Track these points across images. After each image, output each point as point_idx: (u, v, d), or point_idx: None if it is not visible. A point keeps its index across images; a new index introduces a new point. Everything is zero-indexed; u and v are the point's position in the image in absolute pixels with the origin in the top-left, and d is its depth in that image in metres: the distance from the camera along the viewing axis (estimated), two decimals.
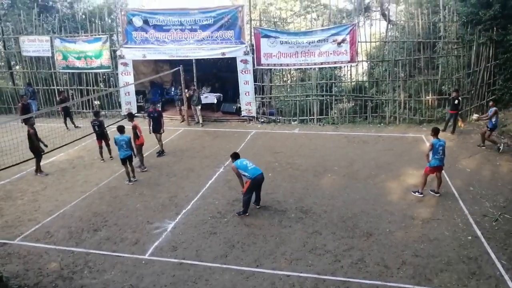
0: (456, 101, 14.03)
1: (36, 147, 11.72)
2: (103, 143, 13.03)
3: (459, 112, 14.56)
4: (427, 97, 16.53)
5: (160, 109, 13.99)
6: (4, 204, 10.02)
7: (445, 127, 14.68)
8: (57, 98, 18.30)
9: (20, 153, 11.46)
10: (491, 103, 12.89)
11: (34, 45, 19.55)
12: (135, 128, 11.74)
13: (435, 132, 9.54)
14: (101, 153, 13.08)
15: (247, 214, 8.91)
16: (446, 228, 8.05)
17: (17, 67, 21.68)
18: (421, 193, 9.60)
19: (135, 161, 11.67)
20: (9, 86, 21.20)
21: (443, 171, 9.91)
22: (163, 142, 13.61)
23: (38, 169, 12.07)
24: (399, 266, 6.91)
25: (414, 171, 11.07)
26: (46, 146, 12.18)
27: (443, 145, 9.40)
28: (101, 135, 12.94)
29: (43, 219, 9.10)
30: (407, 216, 8.66)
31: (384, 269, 6.84)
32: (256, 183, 8.82)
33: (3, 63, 22.08)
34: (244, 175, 8.83)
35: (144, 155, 12.31)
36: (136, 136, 11.71)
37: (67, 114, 17.24)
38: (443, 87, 16.36)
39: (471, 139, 13.77)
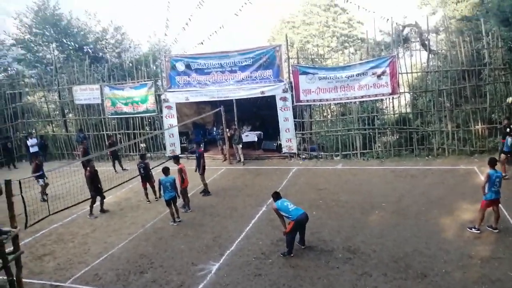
0: (508, 129, 13.26)
1: (96, 187, 12.38)
2: (148, 185, 13.36)
3: None
4: (477, 127, 15.79)
5: (202, 149, 14.23)
6: (56, 246, 10.37)
7: (499, 157, 13.84)
8: (106, 143, 19.19)
9: (72, 197, 11.97)
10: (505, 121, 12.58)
11: (85, 94, 20.85)
12: (181, 171, 11.90)
13: (492, 163, 8.97)
14: (146, 194, 13.39)
15: (291, 254, 8.65)
16: (509, 268, 7.37)
17: (70, 114, 23.11)
18: (478, 230, 8.94)
19: (179, 202, 11.82)
20: (63, 133, 22.54)
21: (500, 205, 9.25)
22: (206, 182, 13.74)
23: (101, 209, 12.70)
24: None
25: (469, 206, 10.40)
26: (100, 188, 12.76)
27: (500, 177, 8.85)
28: (146, 177, 13.28)
29: (92, 262, 9.29)
30: (465, 254, 8.06)
31: None
32: (299, 224, 8.58)
33: (57, 112, 23.61)
34: (286, 216, 8.65)
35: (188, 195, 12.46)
36: (182, 179, 11.89)
37: (115, 157, 17.95)
38: (492, 115, 15.59)
39: None
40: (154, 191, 13.32)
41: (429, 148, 16.35)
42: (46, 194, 13.31)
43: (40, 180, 13.79)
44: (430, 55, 17.19)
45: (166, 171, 11.25)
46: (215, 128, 21.07)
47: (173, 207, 11.18)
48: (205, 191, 13.59)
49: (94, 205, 12.44)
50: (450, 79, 16.18)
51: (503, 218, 9.40)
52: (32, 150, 20.20)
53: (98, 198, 12.54)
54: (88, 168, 12.53)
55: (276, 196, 9.01)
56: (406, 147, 16.82)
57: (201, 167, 13.45)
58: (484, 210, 8.95)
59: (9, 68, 24.97)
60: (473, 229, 9.02)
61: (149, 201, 13.35)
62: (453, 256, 8.05)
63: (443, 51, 17.48)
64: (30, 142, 20.28)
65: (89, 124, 21.31)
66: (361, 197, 12.03)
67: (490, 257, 7.84)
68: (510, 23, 14.61)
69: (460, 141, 15.98)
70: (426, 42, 17.61)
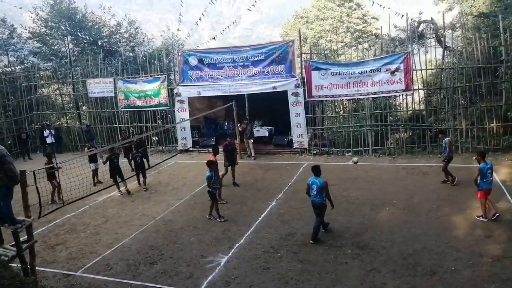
0: None
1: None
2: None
3: None
4: (491, 125, 15.54)
5: (233, 141, 14.64)
6: (69, 236, 10.57)
7: None
8: (119, 137, 19.39)
9: (85, 188, 12.12)
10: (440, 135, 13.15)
11: (99, 87, 21.09)
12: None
13: (482, 156, 9.56)
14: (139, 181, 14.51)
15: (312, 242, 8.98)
16: None
17: (84, 107, 23.40)
18: (486, 218, 9.35)
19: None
20: (77, 125, 22.86)
21: (511, 203, 9.16)
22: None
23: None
24: None
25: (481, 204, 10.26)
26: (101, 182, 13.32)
27: (491, 167, 9.41)
28: (140, 167, 14.23)
29: (103, 252, 9.44)
30: (475, 253, 7.97)
31: None
32: (312, 205, 9.14)
33: (71, 104, 23.93)
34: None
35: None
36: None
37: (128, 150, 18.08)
38: (508, 113, 15.31)
39: None
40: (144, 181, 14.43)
41: (442, 145, 16.12)
42: (98, 181, 14.94)
43: (92, 165, 14.75)
44: (445, 51, 16.94)
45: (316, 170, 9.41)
46: (226, 123, 21.15)
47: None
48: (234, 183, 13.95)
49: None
50: (466, 76, 15.92)
51: None
52: (48, 140, 20.64)
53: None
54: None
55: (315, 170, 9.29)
56: (419, 144, 16.65)
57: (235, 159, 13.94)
58: (485, 199, 9.40)
59: (25, 61, 25.34)
60: (480, 217, 9.43)
61: (146, 188, 14.22)
62: (463, 254, 7.97)
63: (459, 47, 17.20)
64: (46, 133, 20.68)
65: (102, 117, 21.57)
66: (372, 193, 11.97)
67: (501, 256, 7.74)
68: None
69: (474, 139, 15.76)
70: (442, 39, 17.36)
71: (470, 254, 7.94)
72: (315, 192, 9.02)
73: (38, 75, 23.46)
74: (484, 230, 8.88)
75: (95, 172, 14.93)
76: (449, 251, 8.13)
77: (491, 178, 9.44)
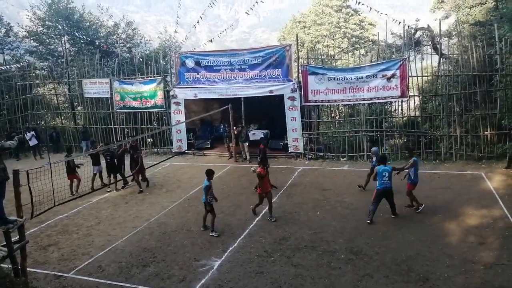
0: None
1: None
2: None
3: None
4: (486, 132, 15.63)
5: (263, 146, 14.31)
6: (61, 237, 10.48)
7: (509, 164, 13.76)
8: (114, 139, 19.23)
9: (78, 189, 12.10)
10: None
11: (95, 87, 21.01)
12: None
13: (383, 161, 10.40)
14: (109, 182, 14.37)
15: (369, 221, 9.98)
16: None
17: (79, 107, 23.29)
18: (417, 208, 10.65)
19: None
20: (71, 125, 22.73)
21: (504, 210, 9.14)
22: None
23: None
24: None
25: (475, 211, 10.33)
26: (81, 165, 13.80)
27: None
28: (112, 166, 14.16)
29: (95, 254, 9.37)
30: (468, 260, 7.99)
31: None
32: (383, 192, 10.12)
33: (67, 104, 23.82)
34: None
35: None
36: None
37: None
38: (502, 121, 15.42)
39: None
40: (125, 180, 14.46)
41: (437, 152, 16.22)
42: (102, 184, 14.54)
43: (95, 168, 14.43)
44: (441, 59, 17.05)
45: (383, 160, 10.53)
46: (222, 126, 21.11)
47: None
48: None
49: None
50: (461, 83, 16.03)
51: (508, 224, 9.36)
52: (31, 143, 20.28)
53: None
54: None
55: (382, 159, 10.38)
56: (414, 150, 16.68)
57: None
58: (410, 194, 10.73)
59: (21, 60, 25.22)
60: (415, 208, 10.70)
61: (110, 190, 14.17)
62: (456, 261, 7.99)
63: (454, 55, 17.33)
64: (28, 135, 20.16)
65: (97, 117, 21.48)
66: (366, 198, 11.94)
67: (493, 263, 7.77)
68: None
69: (468, 147, 15.84)
70: (438, 46, 17.47)
71: (463, 261, 7.96)
72: (386, 179, 10.01)
73: (33, 74, 23.38)
74: (477, 237, 8.91)
75: (97, 175, 14.51)
76: (442, 258, 8.15)
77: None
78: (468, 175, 13.83)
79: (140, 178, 14.37)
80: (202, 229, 10.34)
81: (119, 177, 14.22)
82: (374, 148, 12.91)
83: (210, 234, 10.02)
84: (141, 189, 14.00)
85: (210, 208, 10.18)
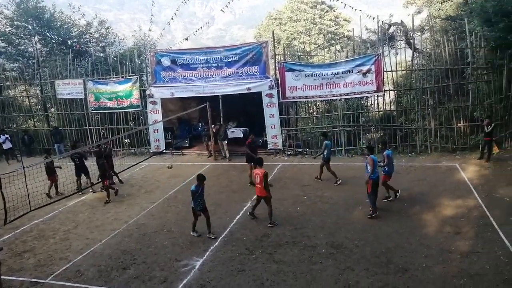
0: (490, 128, 13.56)
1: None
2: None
3: (493, 139, 13.98)
4: (459, 124, 16.05)
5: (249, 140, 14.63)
6: (37, 243, 10.20)
7: (481, 155, 14.14)
8: (90, 141, 18.62)
9: (53, 193, 11.78)
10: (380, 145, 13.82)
11: (68, 88, 20.49)
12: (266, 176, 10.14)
13: (371, 150, 10.69)
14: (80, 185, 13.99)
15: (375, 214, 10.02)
16: (487, 262, 7.54)
17: (52, 109, 22.67)
18: (395, 194, 11.30)
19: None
20: (45, 127, 22.13)
21: (478, 200, 9.41)
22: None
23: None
24: None
25: (450, 202, 10.59)
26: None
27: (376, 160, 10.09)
28: (81, 168, 13.93)
29: (74, 258, 9.17)
30: (444, 250, 8.19)
31: None
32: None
33: (39, 106, 23.13)
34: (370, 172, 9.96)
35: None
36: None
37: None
38: (475, 113, 15.88)
39: (508, 167, 13.15)
40: (91, 182, 13.82)
41: (412, 145, 16.56)
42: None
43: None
44: (414, 53, 17.39)
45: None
46: (200, 124, 20.97)
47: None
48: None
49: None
50: (434, 77, 16.39)
51: (482, 213, 9.63)
52: (5, 147, 19.63)
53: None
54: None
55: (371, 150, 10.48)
56: (390, 144, 16.98)
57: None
58: (385, 184, 11.12)
59: None
60: (393, 197, 11.22)
61: (81, 192, 13.74)
62: (433, 251, 8.18)
63: (427, 49, 17.71)
64: (1, 139, 19.55)
65: (71, 119, 20.98)
66: (345, 193, 12.13)
67: (469, 252, 7.99)
68: (492, 23, 14.82)
69: (442, 139, 16.23)
70: (411, 41, 17.82)
71: (440, 251, 8.15)
72: (377, 168, 10.19)
73: (3, 76, 22.62)
74: (453, 227, 9.13)
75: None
76: (420, 249, 8.32)
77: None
78: (443, 166, 14.17)
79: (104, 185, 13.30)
80: (192, 233, 9.88)
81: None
82: (326, 142, 13.19)
83: (191, 233, 9.91)
84: (108, 199, 12.87)
85: (195, 214, 9.68)
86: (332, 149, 17.14)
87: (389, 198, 11.20)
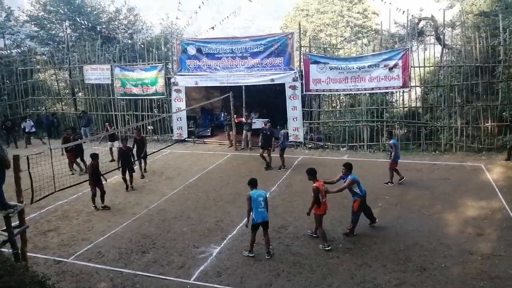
0: None
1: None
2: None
3: None
4: (486, 124, 15.59)
5: (272, 128, 15.24)
6: (61, 223, 10.54)
7: (508, 156, 13.75)
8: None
9: (77, 175, 12.09)
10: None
11: (96, 73, 20.92)
12: (317, 192, 8.59)
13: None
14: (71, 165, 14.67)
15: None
16: (510, 266, 7.37)
17: (80, 93, 23.21)
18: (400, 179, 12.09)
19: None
20: (72, 111, 22.69)
21: (503, 202, 9.19)
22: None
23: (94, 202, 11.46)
24: None
25: (473, 203, 10.36)
26: (105, 180, 11.77)
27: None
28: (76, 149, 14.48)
29: (95, 239, 9.44)
30: (465, 250, 8.05)
31: None
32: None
33: (68, 91, 23.70)
34: (355, 192, 9.12)
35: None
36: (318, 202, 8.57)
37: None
38: (504, 113, 15.36)
39: None
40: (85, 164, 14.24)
41: (437, 143, 16.21)
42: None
43: (110, 143, 16.31)
44: (444, 49, 16.93)
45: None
46: (222, 114, 21.06)
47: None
48: (268, 165, 14.67)
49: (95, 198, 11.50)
50: (463, 74, 15.93)
51: (506, 216, 9.39)
52: (28, 130, 20.18)
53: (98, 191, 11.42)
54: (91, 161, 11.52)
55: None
56: (413, 141, 16.70)
57: (272, 144, 14.67)
58: (391, 169, 12.04)
59: (21, 45, 25.07)
60: (389, 183, 12.11)
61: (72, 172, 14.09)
62: (453, 251, 8.04)
63: (457, 46, 17.18)
64: (24, 124, 20.12)
65: (98, 104, 21.42)
66: (365, 188, 11.96)
67: (491, 254, 7.83)
68: None
69: (468, 138, 15.81)
70: (441, 36, 17.32)
71: (461, 252, 8.01)
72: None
73: (34, 59, 23.25)
74: (475, 228, 8.95)
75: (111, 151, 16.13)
76: (440, 248, 8.20)
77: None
78: (468, 166, 13.84)
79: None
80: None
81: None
82: (393, 141, 12.61)
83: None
84: (94, 205, 11.43)
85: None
86: (354, 144, 17.08)
87: (402, 178, 12.18)
